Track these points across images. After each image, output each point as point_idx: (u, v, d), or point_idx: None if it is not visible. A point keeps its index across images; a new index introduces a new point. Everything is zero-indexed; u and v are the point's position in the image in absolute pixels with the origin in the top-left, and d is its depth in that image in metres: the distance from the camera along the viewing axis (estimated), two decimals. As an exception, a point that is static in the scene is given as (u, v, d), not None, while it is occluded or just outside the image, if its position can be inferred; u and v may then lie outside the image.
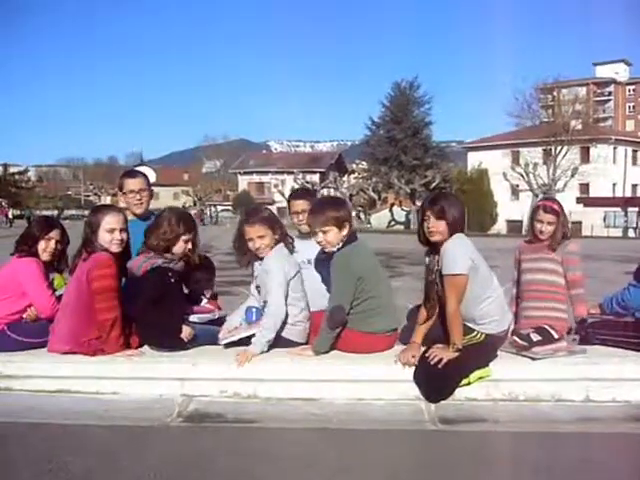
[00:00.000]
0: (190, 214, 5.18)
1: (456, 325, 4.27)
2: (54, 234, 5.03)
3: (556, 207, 5.02)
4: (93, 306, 4.51)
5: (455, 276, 4.24)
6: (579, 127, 54.97)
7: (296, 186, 49.76)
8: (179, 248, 4.78)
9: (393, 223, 63.73)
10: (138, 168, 6.45)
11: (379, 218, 65.82)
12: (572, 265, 4.97)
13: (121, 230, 4.67)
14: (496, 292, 4.46)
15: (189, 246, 4.82)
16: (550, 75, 60.14)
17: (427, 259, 4.50)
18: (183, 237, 4.78)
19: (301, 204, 5.27)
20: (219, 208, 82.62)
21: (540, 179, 52.81)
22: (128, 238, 4.76)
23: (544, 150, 55.31)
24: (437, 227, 4.31)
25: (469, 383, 4.33)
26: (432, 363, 4.23)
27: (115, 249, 4.63)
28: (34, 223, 5.14)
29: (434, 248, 4.40)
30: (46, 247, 4.98)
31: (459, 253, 4.27)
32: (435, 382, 4.27)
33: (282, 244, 4.82)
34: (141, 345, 4.78)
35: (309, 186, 62.03)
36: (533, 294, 4.97)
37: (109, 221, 4.64)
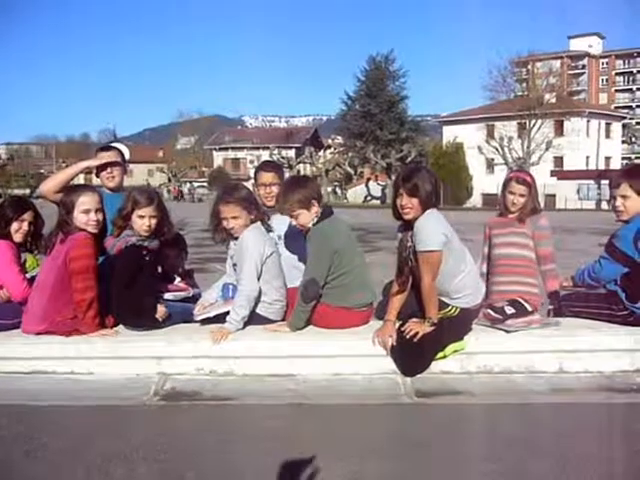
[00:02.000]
0: (148, 190, 5.04)
1: (431, 300, 4.29)
2: (27, 215, 4.96)
3: (528, 179, 5.06)
4: (69, 286, 4.46)
5: (429, 252, 4.24)
6: (553, 100, 55.33)
7: (272, 162, 49.44)
8: (135, 224, 4.71)
9: (369, 198, 63.83)
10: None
11: (355, 193, 65.90)
12: (543, 240, 5.00)
13: (97, 210, 4.59)
14: (469, 266, 4.48)
15: (147, 222, 4.69)
16: (525, 48, 60.39)
17: (400, 235, 4.50)
18: (137, 212, 4.70)
19: (270, 177, 5.26)
20: (195, 185, 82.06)
21: (515, 152, 53.20)
22: (104, 217, 4.70)
23: (519, 124, 55.63)
24: (410, 204, 4.29)
25: (444, 356, 4.37)
26: (407, 337, 4.26)
27: (91, 230, 4.56)
28: (7, 204, 5.05)
29: (407, 224, 4.39)
30: (19, 228, 4.91)
31: (432, 229, 4.26)
32: (411, 356, 4.30)
33: (259, 222, 4.79)
34: (116, 324, 4.74)
35: (285, 162, 61.85)
36: (504, 269, 5.00)
37: (84, 201, 4.56)
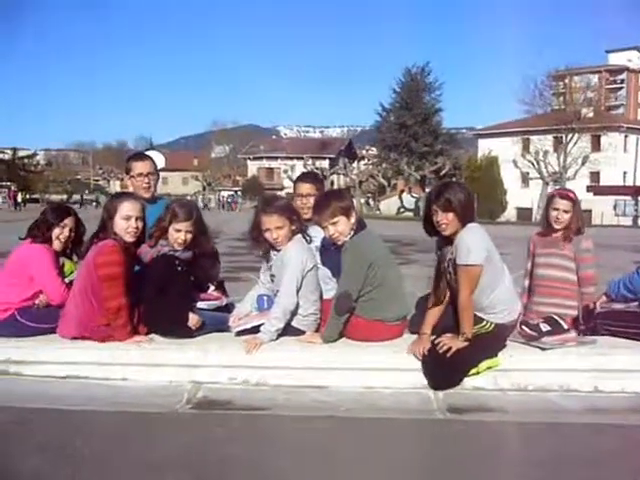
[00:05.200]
0: (190, 204, 5.04)
1: (468, 315, 4.26)
2: (68, 221, 5.04)
3: (572, 195, 5.06)
4: (102, 292, 4.52)
5: (471, 266, 4.22)
6: (590, 115, 54.53)
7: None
8: (172, 236, 4.75)
9: (402, 210, 63.50)
10: (148, 153, 6.45)
11: (388, 205, 65.61)
12: (585, 263, 4.96)
13: (137, 218, 4.64)
14: (506, 282, 4.44)
15: (183, 236, 4.74)
16: (562, 62, 59.82)
17: (439, 251, 4.47)
18: (175, 225, 4.74)
19: (308, 187, 5.26)
20: (231, 193, 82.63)
21: (550, 167, 52.50)
22: (144, 226, 4.74)
23: (555, 138, 54.96)
24: (446, 219, 4.27)
25: (478, 373, 4.33)
26: (441, 352, 4.23)
27: (129, 238, 4.60)
28: (48, 210, 5.14)
29: (446, 238, 4.37)
30: (60, 234, 4.99)
31: (475, 243, 4.24)
32: (444, 371, 4.27)
33: (300, 235, 4.80)
34: (150, 332, 4.78)
35: (319, 172, 61.96)
36: (544, 289, 4.97)
37: (126, 207, 4.62)
